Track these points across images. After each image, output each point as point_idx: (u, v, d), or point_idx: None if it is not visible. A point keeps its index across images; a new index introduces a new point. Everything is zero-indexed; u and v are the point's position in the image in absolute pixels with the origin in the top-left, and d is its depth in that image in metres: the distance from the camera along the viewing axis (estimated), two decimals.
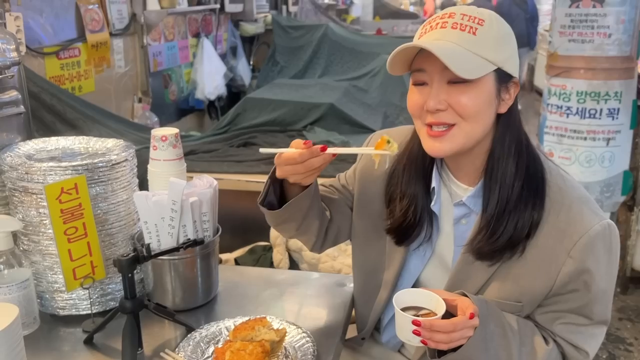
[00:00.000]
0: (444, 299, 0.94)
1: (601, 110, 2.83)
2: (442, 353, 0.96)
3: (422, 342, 0.92)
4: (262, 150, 1.00)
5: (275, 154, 0.98)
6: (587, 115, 2.86)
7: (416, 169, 1.09)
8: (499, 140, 1.00)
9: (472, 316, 0.91)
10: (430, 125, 0.97)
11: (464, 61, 0.91)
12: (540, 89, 7.10)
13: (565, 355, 1.06)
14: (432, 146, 0.98)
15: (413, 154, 1.09)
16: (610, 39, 2.73)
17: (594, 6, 2.73)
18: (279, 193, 1.10)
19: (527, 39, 6.77)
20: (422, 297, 0.97)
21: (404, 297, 0.97)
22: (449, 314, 0.94)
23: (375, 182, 1.16)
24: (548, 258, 0.98)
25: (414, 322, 0.90)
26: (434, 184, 1.07)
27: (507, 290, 1.02)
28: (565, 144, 2.94)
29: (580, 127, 2.88)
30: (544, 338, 1.04)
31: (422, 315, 0.94)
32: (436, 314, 0.94)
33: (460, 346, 0.93)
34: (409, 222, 1.08)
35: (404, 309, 0.94)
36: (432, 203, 1.08)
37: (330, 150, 0.97)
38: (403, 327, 0.93)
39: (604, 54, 2.75)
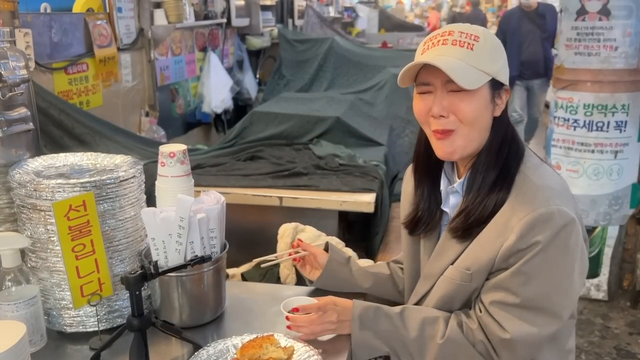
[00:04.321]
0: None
1: (608, 122, 2.82)
2: None
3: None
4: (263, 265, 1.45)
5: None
6: (594, 128, 2.85)
7: (423, 168, 1.25)
8: (492, 140, 1.14)
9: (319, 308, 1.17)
10: (436, 131, 1.12)
11: (465, 74, 1.05)
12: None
13: (488, 336, 1.11)
14: (439, 147, 1.13)
15: (420, 155, 1.25)
16: (617, 52, 2.73)
17: (600, 19, 2.73)
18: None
19: (543, 66, 5.03)
20: (303, 302, 1.24)
21: (292, 302, 1.24)
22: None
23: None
24: (497, 232, 1.09)
25: (287, 318, 1.18)
26: (442, 186, 1.23)
27: (462, 259, 1.14)
28: (572, 156, 2.93)
29: (588, 140, 2.86)
30: (460, 326, 1.14)
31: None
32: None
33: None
34: (419, 216, 1.26)
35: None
36: (442, 204, 1.23)
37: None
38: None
39: (611, 66, 2.75)
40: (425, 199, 1.25)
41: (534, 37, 4.98)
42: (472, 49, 1.07)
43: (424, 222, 1.25)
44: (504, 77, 1.12)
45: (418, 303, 1.26)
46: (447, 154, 1.13)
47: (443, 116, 1.09)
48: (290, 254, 1.44)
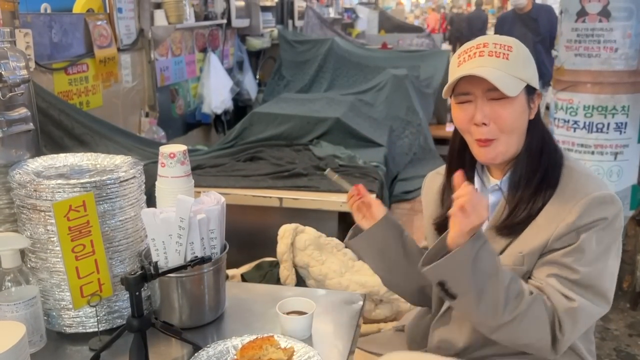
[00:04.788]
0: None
1: (608, 124, 2.82)
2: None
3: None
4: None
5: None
6: (594, 129, 2.85)
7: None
8: (530, 141, 1.19)
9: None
10: (479, 140, 1.17)
11: (505, 82, 1.11)
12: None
13: (555, 307, 1.11)
14: (482, 153, 1.18)
15: (454, 159, 1.28)
16: (617, 53, 2.73)
17: (600, 21, 2.73)
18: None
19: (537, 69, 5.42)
20: (299, 303, 1.24)
21: (289, 303, 1.24)
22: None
23: (435, 200, 1.35)
24: (550, 218, 1.13)
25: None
26: (476, 186, 1.25)
27: (511, 248, 1.16)
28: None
29: (588, 142, 2.86)
30: (531, 292, 1.12)
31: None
32: (307, 312, 1.21)
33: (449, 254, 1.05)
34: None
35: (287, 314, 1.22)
36: None
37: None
38: (286, 326, 1.20)
39: (611, 68, 2.75)
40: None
41: (527, 40, 4.64)
42: (507, 58, 1.13)
43: None
44: (535, 82, 1.19)
45: None
46: (490, 159, 1.18)
47: (485, 124, 1.14)
48: (356, 192, 1.30)
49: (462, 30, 10.46)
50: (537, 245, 1.14)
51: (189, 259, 1.18)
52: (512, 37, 1.18)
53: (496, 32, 5.06)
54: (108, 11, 3.38)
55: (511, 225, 1.17)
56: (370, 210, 1.30)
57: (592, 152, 2.86)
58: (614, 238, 1.13)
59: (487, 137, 1.15)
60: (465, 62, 1.16)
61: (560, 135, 2.97)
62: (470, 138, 1.19)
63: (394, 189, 3.19)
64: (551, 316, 1.11)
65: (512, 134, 1.15)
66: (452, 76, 1.16)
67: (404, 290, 1.41)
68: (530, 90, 1.17)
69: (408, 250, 1.31)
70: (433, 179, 1.39)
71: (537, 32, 4.75)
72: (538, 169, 1.17)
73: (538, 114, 1.21)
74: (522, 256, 1.15)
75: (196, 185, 1.39)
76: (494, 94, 1.12)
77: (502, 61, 1.13)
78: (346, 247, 1.30)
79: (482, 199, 1.05)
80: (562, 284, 1.12)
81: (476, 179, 1.27)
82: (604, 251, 1.12)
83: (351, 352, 1.20)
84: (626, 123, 2.80)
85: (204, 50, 4.72)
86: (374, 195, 2.39)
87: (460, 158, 1.26)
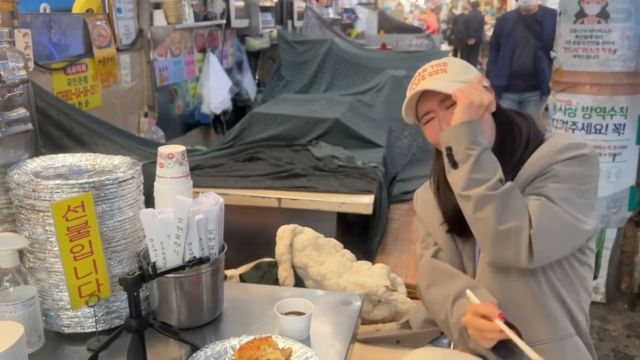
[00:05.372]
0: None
1: (607, 125, 2.82)
2: None
3: None
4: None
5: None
6: (592, 130, 2.85)
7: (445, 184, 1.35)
8: (498, 133, 1.30)
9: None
10: None
11: (447, 86, 1.25)
12: None
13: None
14: None
15: (440, 176, 1.37)
16: (616, 55, 2.73)
17: (598, 22, 2.73)
18: None
19: (534, 78, 4.43)
20: (298, 303, 1.25)
21: (287, 304, 1.25)
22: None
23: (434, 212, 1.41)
24: (533, 170, 1.24)
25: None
26: None
27: None
28: None
29: None
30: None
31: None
32: (305, 313, 1.22)
33: None
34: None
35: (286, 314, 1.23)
36: None
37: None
38: (284, 326, 1.20)
39: (610, 69, 2.75)
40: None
41: (528, 45, 4.43)
42: (445, 71, 1.29)
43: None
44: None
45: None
46: None
47: None
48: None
49: (463, 31, 10.51)
50: (521, 183, 1.24)
51: (187, 259, 1.18)
52: (447, 57, 1.35)
53: (496, 32, 4.76)
54: (107, 11, 3.38)
55: None
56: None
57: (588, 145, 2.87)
58: (593, 175, 1.22)
59: None
60: (415, 88, 1.30)
61: None
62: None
63: (392, 190, 3.19)
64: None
65: None
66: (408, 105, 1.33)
67: None
68: None
69: None
70: (424, 193, 1.48)
71: (540, 37, 4.35)
72: (515, 152, 1.27)
73: (499, 106, 1.32)
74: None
75: (195, 186, 1.39)
76: (447, 102, 1.27)
77: (441, 75, 1.29)
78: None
79: None
80: (533, 196, 1.21)
81: None
82: (580, 177, 1.21)
83: (349, 352, 1.21)
84: (624, 124, 2.81)
85: (203, 50, 4.72)
86: (372, 196, 2.39)
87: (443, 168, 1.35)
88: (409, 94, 1.33)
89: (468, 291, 1.19)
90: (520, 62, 4.48)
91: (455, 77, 1.28)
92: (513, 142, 1.29)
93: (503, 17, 5.11)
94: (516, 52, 4.48)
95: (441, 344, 1.51)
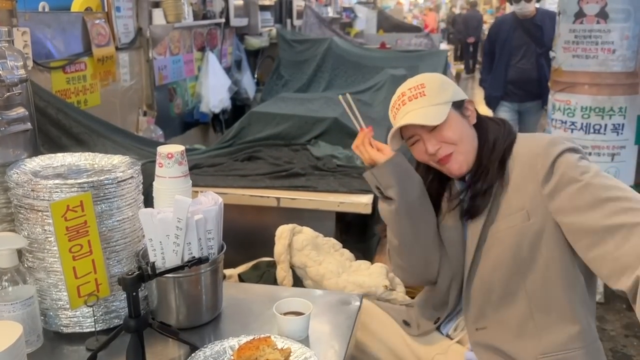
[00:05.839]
0: None
1: (606, 125, 2.83)
2: None
3: None
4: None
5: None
6: (591, 130, 2.86)
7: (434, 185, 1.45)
8: (484, 140, 1.36)
9: None
10: (440, 160, 1.34)
11: (430, 115, 1.31)
12: None
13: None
14: (447, 169, 1.36)
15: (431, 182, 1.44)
16: (615, 55, 2.73)
17: (598, 22, 2.74)
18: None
19: (537, 86, 4.08)
20: (296, 303, 1.26)
21: (286, 303, 1.26)
22: None
23: None
24: (526, 167, 1.29)
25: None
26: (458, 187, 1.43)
27: (510, 207, 1.30)
28: None
29: (585, 143, 2.87)
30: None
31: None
32: (304, 313, 1.23)
33: None
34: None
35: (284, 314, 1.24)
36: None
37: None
38: (283, 326, 1.20)
39: (608, 69, 2.76)
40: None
41: (528, 51, 4.11)
42: (424, 95, 1.33)
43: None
44: (460, 95, 1.36)
45: (472, 266, 1.36)
46: (456, 169, 1.34)
47: (437, 149, 1.32)
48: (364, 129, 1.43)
49: (462, 30, 10.54)
50: (528, 197, 1.27)
51: (186, 259, 1.18)
52: (421, 75, 1.39)
53: (490, 39, 4.38)
54: (106, 10, 3.38)
55: (477, 195, 1.33)
56: (381, 152, 1.39)
57: (589, 153, 2.87)
58: (587, 161, 1.27)
59: (444, 154, 1.33)
60: (396, 115, 1.37)
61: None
62: (434, 163, 1.37)
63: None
64: None
65: (462, 142, 1.33)
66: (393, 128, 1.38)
67: (414, 260, 1.44)
68: (457, 104, 1.35)
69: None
70: None
71: (540, 42, 4.02)
72: (491, 154, 1.33)
73: (479, 116, 1.40)
74: (526, 212, 1.27)
75: (194, 185, 1.39)
76: (429, 126, 1.32)
77: (420, 100, 1.33)
78: (370, 175, 1.39)
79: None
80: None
81: (457, 184, 1.42)
82: (585, 160, 1.27)
83: (348, 352, 1.21)
84: (623, 124, 2.81)
85: (202, 49, 4.71)
86: (371, 196, 2.39)
87: (428, 180, 1.44)
88: (393, 119, 1.39)
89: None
90: (519, 69, 4.15)
91: (434, 99, 1.33)
92: (488, 146, 1.35)
93: (498, 21, 4.62)
94: (514, 60, 4.16)
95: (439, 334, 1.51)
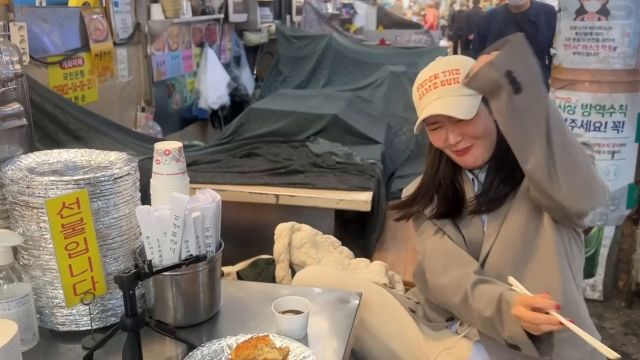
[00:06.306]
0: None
1: (606, 123, 2.82)
2: None
3: None
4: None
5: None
6: (591, 128, 2.85)
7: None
8: (499, 138, 1.28)
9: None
10: (457, 151, 1.29)
11: (462, 106, 1.23)
12: None
13: None
14: (463, 161, 1.31)
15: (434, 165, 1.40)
16: (616, 52, 2.72)
17: (599, 19, 2.72)
18: None
19: None
20: (295, 302, 1.24)
21: (284, 302, 1.24)
22: None
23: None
24: None
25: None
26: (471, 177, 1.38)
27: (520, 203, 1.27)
28: None
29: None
30: None
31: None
32: (302, 312, 1.20)
33: None
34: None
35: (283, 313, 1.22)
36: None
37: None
38: (281, 325, 1.19)
39: (609, 67, 2.74)
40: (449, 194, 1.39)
41: None
42: (458, 82, 1.24)
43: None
44: None
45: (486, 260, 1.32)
46: (471, 163, 1.31)
47: (458, 141, 1.28)
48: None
49: (463, 27, 10.53)
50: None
51: (183, 257, 1.17)
52: (456, 57, 1.32)
53: (481, 35, 4.06)
54: (104, 5, 3.36)
55: (484, 203, 1.30)
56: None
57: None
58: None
59: (464, 146, 1.28)
60: (424, 96, 1.29)
61: None
62: (450, 152, 1.32)
63: (390, 186, 3.18)
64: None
65: (484, 138, 1.28)
66: (418, 110, 1.31)
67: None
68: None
69: None
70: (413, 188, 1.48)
71: (534, 39, 3.68)
72: (507, 163, 1.26)
73: None
74: (534, 205, 1.24)
75: (192, 182, 1.38)
76: (455, 118, 1.25)
77: (453, 87, 1.24)
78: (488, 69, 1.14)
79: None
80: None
81: (470, 177, 1.37)
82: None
83: (347, 351, 1.20)
84: (624, 122, 2.80)
85: (201, 45, 4.69)
86: (370, 193, 2.38)
87: (438, 166, 1.39)
88: (418, 99, 1.30)
89: (512, 279, 1.17)
90: None
91: (468, 89, 1.21)
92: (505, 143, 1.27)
93: (488, 15, 4.19)
94: None
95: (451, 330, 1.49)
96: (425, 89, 1.28)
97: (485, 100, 1.24)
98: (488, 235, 1.32)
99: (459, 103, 1.23)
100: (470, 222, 1.36)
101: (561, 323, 1.03)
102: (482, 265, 1.32)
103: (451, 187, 1.38)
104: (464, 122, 1.25)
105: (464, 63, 1.27)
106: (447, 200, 1.38)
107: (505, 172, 1.29)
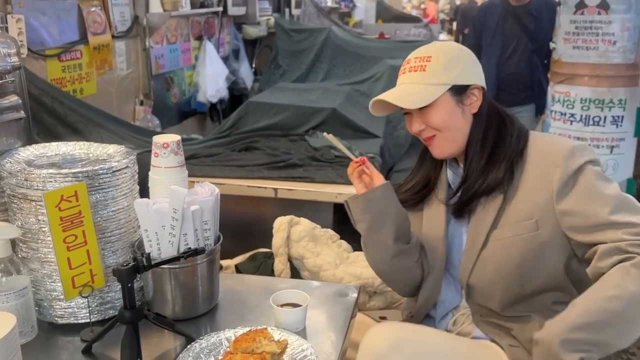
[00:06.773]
0: None
1: (605, 117, 2.82)
2: None
3: None
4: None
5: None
6: (591, 122, 2.85)
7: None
8: (472, 132, 1.29)
9: None
10: (424, 139, 1.31)
11: (416, 94, 1.23)
12: None
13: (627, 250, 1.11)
14: (432, 151, 1.32)
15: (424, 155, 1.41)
16: (615, 46, 2.72)
17: (599, 13, 2.72)
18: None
19: (529, 88, 3.46)
20: (293, 295, 1.25)
21: (283, 295, 1.25)
22: None
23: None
24: (540, 175, 1.22)
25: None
26: (449, 176, 1.38)
27: (518, 214, 1.23)
28: None
29: (584, 135, 2.86)
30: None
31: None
32: (301, 305, 1.21)
33: None
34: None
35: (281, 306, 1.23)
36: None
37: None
38: (280, 318, 1.20)
39: (609, 61, 2.74)
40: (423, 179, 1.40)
41: (520, 46, 3.40)
42: (424, 70, 1.25)
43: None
44: (465, 79, 1.26)
45: (472, 272, 1.29)
46: (437, 153, 1.31)
47: (421, 129, 1.28)
48: (361, 161, 1.35)
49: (460, 21, 10.50)
50: (539, 207, 1.21)
51: (182, 250, 1.17)
52: (439, 43, 1.30)
53: (476, 30, 3.68)
54: None
55: (460, 203, 1.29)
56: (372, 182, 1.33)
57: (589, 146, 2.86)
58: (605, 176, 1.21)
59: (428, 135, 1.28)
60: (398, 80, 1.31)
61: (557, 128, 2.96)
62: (421, 139, 1.33)
63: (389, 181, 3.18)
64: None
65: (446, 130, 1.26)
66: None
67: (394, 276, 1.39)
68: (460, 89, 1.25)
69: (403, 224, 1.34)
70: None
71: (534, 36, 3.37)
72: (482, 154, 1.26)
73: (484, 105, 1.29)
74: (535, 222, 1.21)
75: (190, 175, 1.38)
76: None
77: (418, 74, 1.25)
78: (346, 205, 1.36)
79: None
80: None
81: (449, 171, 1.38)
82: (605, 179, 1.20)
83: (345, 344, 1.20)
84: (623, 117, 2.80)
85: (199, 38, 4.67)
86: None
87: (425, 155, 1.39)
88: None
89: (330, 136, 1.35)
90: (509, 67, 3.46)
91: (433, 77, 1.24)
92: (476, 142, 1.28)
93: (484, 7, 3.74)
94: (504, 55, 3.45)
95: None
96: (400, 73, 1.31)
97: (454, 90, 1.24)
98: (471, 242, 1.30)
99: (419, 90, 1.23)
100: (434, 215, 1.37)
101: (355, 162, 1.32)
102: (470, 280, 1.30)
103: (425, 178, 1.39)
104: (425, 111, 1.25)
105: (439, 51, 1.26)
106: (415, 188, 1.40)
107: (479, 170, 1.26)
